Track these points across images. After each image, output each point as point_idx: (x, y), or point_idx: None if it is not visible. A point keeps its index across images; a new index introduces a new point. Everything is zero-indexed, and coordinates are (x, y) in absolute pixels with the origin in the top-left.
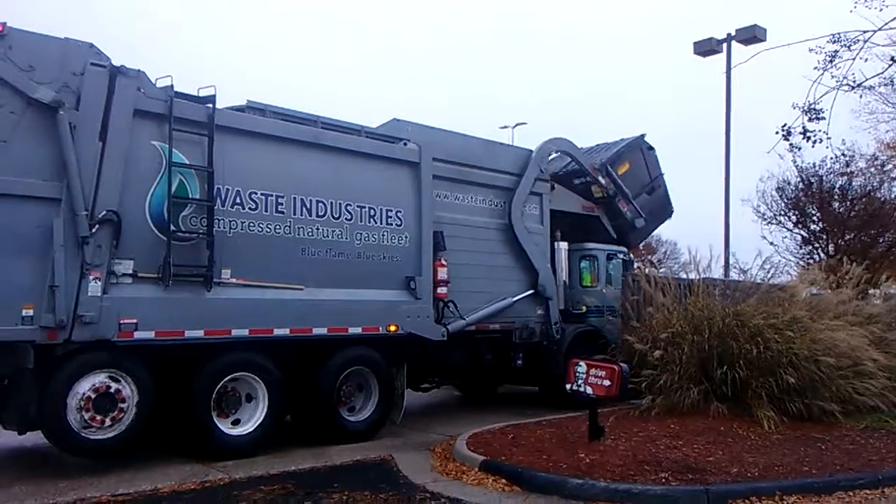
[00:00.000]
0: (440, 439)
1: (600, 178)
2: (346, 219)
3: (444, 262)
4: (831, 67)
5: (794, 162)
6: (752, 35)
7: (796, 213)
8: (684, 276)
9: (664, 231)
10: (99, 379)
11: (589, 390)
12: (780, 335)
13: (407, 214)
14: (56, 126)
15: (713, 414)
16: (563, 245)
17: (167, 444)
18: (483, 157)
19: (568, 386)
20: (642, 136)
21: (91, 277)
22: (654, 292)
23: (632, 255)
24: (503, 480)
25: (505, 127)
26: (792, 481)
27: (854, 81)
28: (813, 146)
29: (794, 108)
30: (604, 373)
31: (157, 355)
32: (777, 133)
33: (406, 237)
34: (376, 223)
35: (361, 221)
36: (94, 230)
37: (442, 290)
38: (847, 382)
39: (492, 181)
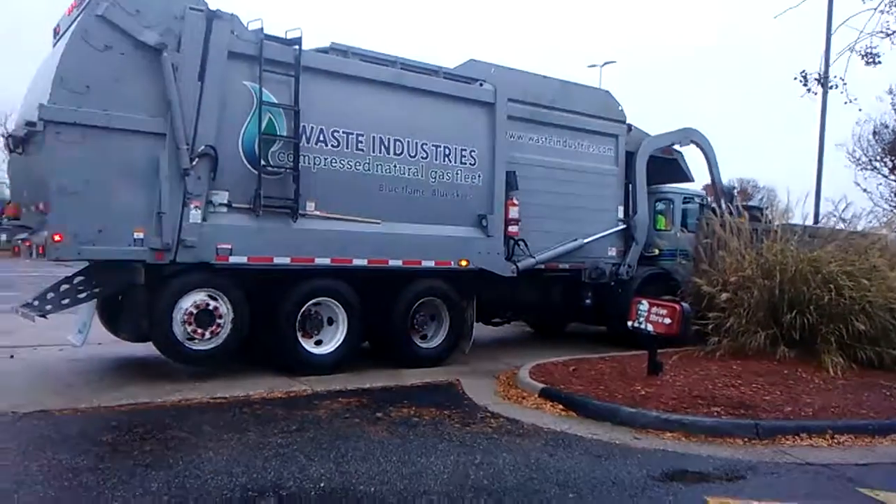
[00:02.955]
0: (506, 369)
1: (722, 200)
2: (421, 157)
3: (515, 201)
4: None
5: (893, 104)
6: None
7: (893, 158)
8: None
9: (763, 176)
10: (199, 297)
11: (650, 327)
12: (855, 282)
13: (481, 154)
14: (160, 67)
15: (780, 358)
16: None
17: (258, 359)
18: (560, 99)
19: (630, 323)
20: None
21: (192, 206)
22: (727, 237)
23: (709, 199)
24: (560, 406)
25: (593, 66)
26: (846, 422)
27: None
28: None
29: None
30: (665, 311)
31: (249, 278)
32: (795, 79)
33: (479, 176)
34: (451, 162)
35: (437, 160)
36: (194, 163)
37: (513, 228)
38: None
39: (569, 122)
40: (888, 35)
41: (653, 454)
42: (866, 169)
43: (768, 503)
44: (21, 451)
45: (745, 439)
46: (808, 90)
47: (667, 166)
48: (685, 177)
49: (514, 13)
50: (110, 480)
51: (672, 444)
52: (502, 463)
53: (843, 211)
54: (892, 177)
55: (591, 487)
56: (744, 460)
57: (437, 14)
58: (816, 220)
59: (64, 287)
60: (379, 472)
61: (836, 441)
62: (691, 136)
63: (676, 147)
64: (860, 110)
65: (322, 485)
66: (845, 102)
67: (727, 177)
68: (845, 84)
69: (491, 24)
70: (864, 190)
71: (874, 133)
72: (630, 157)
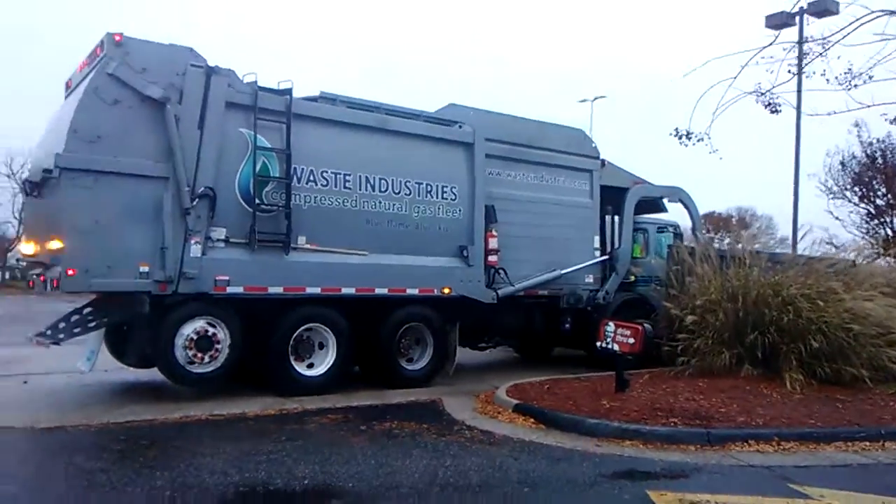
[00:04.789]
0: (488, 389)
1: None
2: (405, 194)
3: (494, 233)
4: None
5: (859, 137)
6: (823, 8)
7: (861, 187)
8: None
9: (761, 205)
10: (199, 324)
11: (616, 347)
12: (813, 304)
13: (461, 190)
14: (164, 118)
15: (744, 375)
16: (617, 219)
17: (254, 381)
18: (536, 138)
19: (598, 344)
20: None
21: (193, 242)
22: (693, 263)
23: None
24: (532, 420)
25: (584, 101)
26: (792, 430)
27: None
28: (693, 145)
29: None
30: (629, 332)
31: (245, 307)
32: (671, 135)
33: (460, 210)
34: (433, 198)
35: (419, 196)
36: (194, 203)
37: (493, 258)
38: (880, 350)
39: (545, 159)
40: (761, 95)
41: (609, 458)
42: (837, 198)
43: (701, 494)
44: (42, 457)
45: (697, 446)
46: (682, 143)
47: (645, 200)
48: (659, 209)
49: (505, 51)
50: (120, 479)
51: (629, 450)
52: (469, 465)
53: (801, 238)
54: (862, 205)
55: (546, 483)
56: (691, 462)
57: (427, 56)
58: (794, 247)
59: (74, 317)
60: (357, 472)
61: (781, 447)
62: (679, 194)
63: (665, 202)
64: (721, 159)
65: (306, 482)
66: (709, 153)
67: (727, 206)
68: (710, 138)
69: (482, 62)
70: (837, 218)
71: (842, 164)
72: (605, 191)
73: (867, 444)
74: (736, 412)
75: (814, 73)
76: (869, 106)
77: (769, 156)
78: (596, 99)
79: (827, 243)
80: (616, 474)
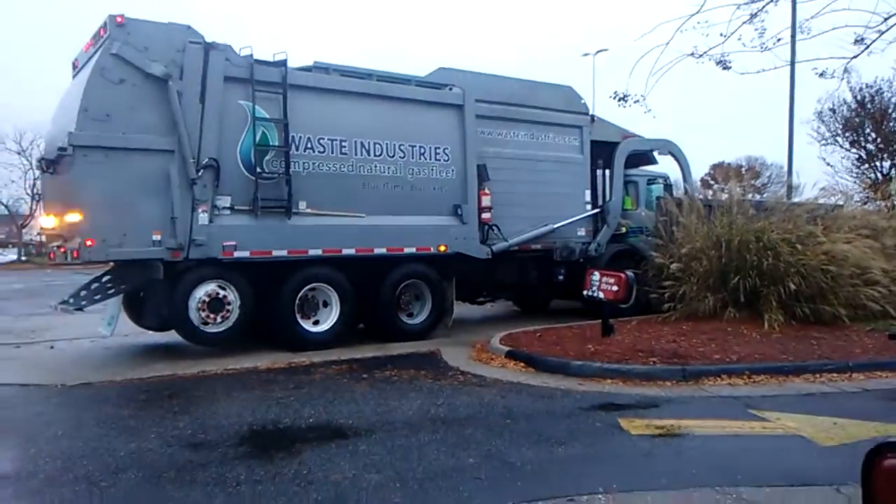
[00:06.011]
0: (484, 339)
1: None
2: (399, 157)
3: (487, 191)
4: None
5: (848, 82)
6: None
7: (851, 132)
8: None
9: (770, 155)
10: (210, 287)
11: (601, 295)
12: (792, 248)
13: (453, 151)
14: (167, 94)
15: (727, 318)
16: (608, 173)
17: (264, 339)
18: (525, 96)
19: (585, 292)
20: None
21: (200, 210)
22: (678, 214)
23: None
24: (521, 364)
25: (587, 54)
26: (762, 364)
27: None
28: (630, 106)
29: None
30: (613, 280)
31: (252, 270)
32: (610, 97)
33: (453, 170)
34: (426, 159)
35: (413, 158)
36: (200, 173)
37: (486, 215)
38: (859, 290)
39: (534, 117)
40: (699, 57)
41: (589, 395)
42: (829, 144)
43: (667, 420)
44: (75, 408)
45: (673, 381)
46: (620, 105)
47: (635, 153)
48: (649, 161)
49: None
50: (147, 422)
51: (610, 387)
52: (459, 403)
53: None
54: (853, 150)
55: (526, 416)
56: (664, 396)
57: (432, 18)
58: (790, 194)
59: (94, 285)
60: (357, 411)
61: (752, 380)
62: (670, 147)
63: (655, 154)
64: (654, 118)
65: (311, 420)
66: (644, 112)
67: (736, 156)
68: (644, 99)
69: (489, 22)
70: (829, 164)
71: (832, 110)
72: (596, 145)
73: (835, 375)
74: (712, 351)
75: (740, 38)
76: (793, 63)
77: (774, 104)
78: (598, 52)
79: (821, 188)
80: (592, 407)
